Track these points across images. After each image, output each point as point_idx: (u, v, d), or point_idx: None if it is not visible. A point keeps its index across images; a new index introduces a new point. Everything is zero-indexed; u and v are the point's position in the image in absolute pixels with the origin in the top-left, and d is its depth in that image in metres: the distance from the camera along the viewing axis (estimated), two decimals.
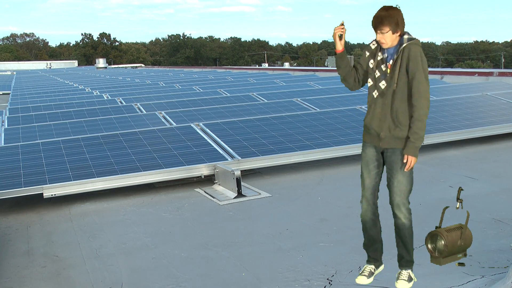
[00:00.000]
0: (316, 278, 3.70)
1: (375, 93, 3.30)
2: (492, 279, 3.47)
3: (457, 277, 3.55)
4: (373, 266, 3.45)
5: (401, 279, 3.32)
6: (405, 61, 3.17)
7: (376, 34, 3.22)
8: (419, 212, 4.95)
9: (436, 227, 3.47)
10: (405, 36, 3.22)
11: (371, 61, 3.32)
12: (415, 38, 3.21)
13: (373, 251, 3.45)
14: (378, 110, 3.28)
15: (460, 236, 3.41)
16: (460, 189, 3.53)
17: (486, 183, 5.96)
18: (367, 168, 3.35)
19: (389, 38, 3.19)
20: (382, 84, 3.25)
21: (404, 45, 3.19)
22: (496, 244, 4.13)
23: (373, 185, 3.35)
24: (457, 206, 3.53)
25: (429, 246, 3.44)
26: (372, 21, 3.21)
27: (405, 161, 3.20)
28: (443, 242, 3.36)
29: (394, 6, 3.21)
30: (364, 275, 3.41)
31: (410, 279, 3.33)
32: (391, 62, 3.23)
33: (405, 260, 3.37)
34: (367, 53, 3.34)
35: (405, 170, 3.21)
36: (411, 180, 3.27)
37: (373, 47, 3.34)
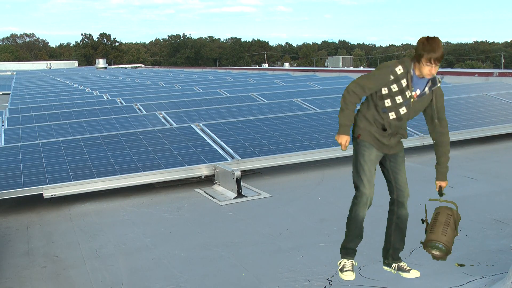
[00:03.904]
0: (316, 279, 3.70)
1: (392, 115, 3.31)
2: (492, 279, 3.47)
3: (457, 277, 3.55)
4: (353, 260, 3.45)
5: (408, 269, 3.44)
6: (432, 96, 3.37)
7: (429, 65, 3.16)
8: (418, 213, 4.94)
9: (422, 220, 3.46)
10: (437, 75, 3.32)
11: (394, 85, 3.27)
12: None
13: (355, 245, 3.48)
14: (390, 131, 3.34)
15: (455, 227, 3.40)
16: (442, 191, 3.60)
17: (486, 183, 5.96)
18: (374, 167, 3.38)
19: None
20: (402, 110, 3.30)
21: (438, 85, 3.33)
22: (496, 244, 4.13)
23: (373, 184, 3.39)
24: (440, 199, 3.56)
25: (433, 252, 3.40)
26: (437, 52, 3.12)
27: (440, 189, 3.50)
28: (442, 247, 3.34)
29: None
30: (350, 270, 3.40)
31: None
32: (418, 91, 3.29)
33: (400, 252, 3.49)
34: (392, 77, 3.26)
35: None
36: None
37: (399, 72, 3.26)
